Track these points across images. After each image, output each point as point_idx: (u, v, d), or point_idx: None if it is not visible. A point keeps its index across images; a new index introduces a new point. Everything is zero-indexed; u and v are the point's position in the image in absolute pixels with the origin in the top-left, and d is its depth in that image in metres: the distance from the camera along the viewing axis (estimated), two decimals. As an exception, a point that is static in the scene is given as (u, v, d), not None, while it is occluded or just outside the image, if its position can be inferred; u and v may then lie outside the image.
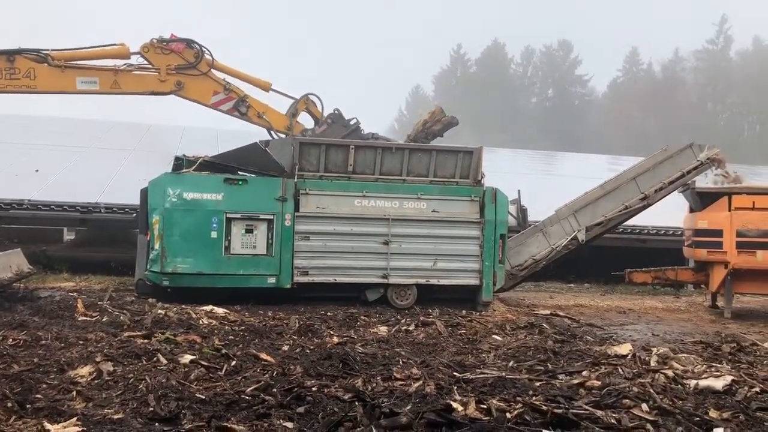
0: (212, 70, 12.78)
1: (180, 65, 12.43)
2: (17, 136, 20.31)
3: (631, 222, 14.76)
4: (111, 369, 6.13)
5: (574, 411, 5.23)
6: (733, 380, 6.52)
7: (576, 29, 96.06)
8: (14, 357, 6.44)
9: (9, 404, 4.75)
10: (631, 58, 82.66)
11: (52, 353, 6.73)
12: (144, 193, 11.32)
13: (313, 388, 5.68)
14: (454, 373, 6.60)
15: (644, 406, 5.53)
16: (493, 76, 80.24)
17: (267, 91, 13.01)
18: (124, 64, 12.65)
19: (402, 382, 6.16)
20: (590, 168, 22.43)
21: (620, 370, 6.97)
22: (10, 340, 7.20)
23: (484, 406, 5.30)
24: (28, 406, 4.85)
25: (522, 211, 13.39)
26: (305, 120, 13.88)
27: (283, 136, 12.86)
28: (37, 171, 16.95)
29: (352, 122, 13.11)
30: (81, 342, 7.33)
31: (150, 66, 12.66)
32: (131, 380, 5.80)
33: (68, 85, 12.28)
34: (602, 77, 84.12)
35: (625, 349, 7.98)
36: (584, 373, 6.82)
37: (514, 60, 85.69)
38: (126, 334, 7.88)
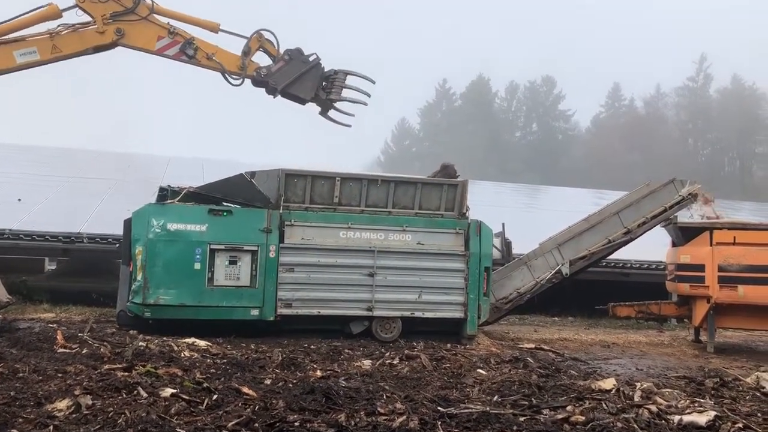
0: (154, 14, 11.73)
1: (117, 12, 11.40)
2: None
3: (614, 256, 14.85)
4: (90, 402, 6.01)
5: (559, 447, 5.20)
6: (716, 416, 6.52)
7: (559, 65, 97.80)
8: (-10, 390, 6.31)
9: (-17, 439, 4.64)
10: (613, 93, 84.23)
11: (29, 386, 6.60)
12: (127, 223, 11.25)
13: (296, 423, 5.61)
14: (439, 408, 6.55)
15: (628, 441, 5.51)
16: (478, 110, 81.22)
17: (216, 32, 11.92)
18: (58, 26, 11.51)
19: (386, 417, 6.10)
20: (574, 202, 22.65)
21: (604, 405, 6.95)
22: (-13, 372, 7.06)
23: (468, 442, 5.25)
24: (3, 441, 4.75)
25: (506, 244, 13.48)
26: (262, 59, 12.32)
27: (237, 77, 11.72)
28: (19, 200, 16.83)
29: (311, 58, 11.93)
30: (60, 375, 7.20)
31: (86, 22, 11.49)
32: (110, 414, 5.70)
33: (7, 62, 11.15)
34: (585, 112, 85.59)
35: (609, 383, 7.97)
36: (568, 408, 6.79)
37: (498, 94, 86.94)
38: (106, 366, 7.75)
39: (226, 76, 11.78)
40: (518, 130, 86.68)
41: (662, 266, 15.45)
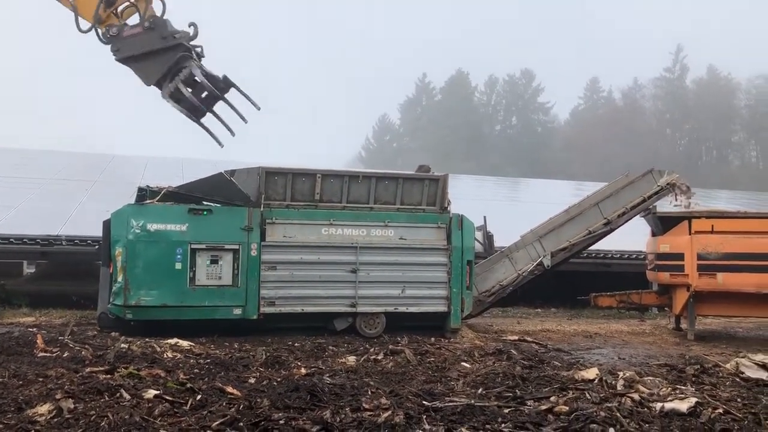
0: None
1: None
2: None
3: (595, 247, 14.97)
4: (72, 406, 5.94)
5: (543, 437, 5.23)
6: (697, 402, 6.61)
7: (537, 58, 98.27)
8: (-31, 396, 6.22)
9: (-37, 446, 4.58)
10: (591, 85, 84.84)
11: (9, 391, 6.51)
12: (107, 224, 11.13)
13: (281, 421, 5.59)
14: (423, 402, 6.56)
15: (611, 430, 5.57)
16: (458, 104, 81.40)
17: None
18: None
19: (371, 413, 6.10)
20: (554, 194, 22.79)
21: (587, 394, 7.01)
22: (-34, 378, 6.96)
23: (454, 435, 5.27)
24: (-17, 447, 4.68)
25: (488, 237, 13.52)
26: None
27: (87, 25, 9.87)
28: (-5, 203, 16.59)
29: (176, 35, 9.83)
30: (40, 379, 7.11)
31: None
32: (93, 417, 5.63)
33: None
34: (564, 105, 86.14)
35: (592, 373, 8.04)
36: (552, 398, 6.84)
37: (478, 88, 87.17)
38: (88, 369, 7.66)
39: (77, 18, 9.93)
40: (498, 123, 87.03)
41: (642, 256, 15.60)
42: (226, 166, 11.94)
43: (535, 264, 13.18)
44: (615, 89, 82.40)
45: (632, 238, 15.88)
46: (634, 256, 17.71)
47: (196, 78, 9.79)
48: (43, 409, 5.87)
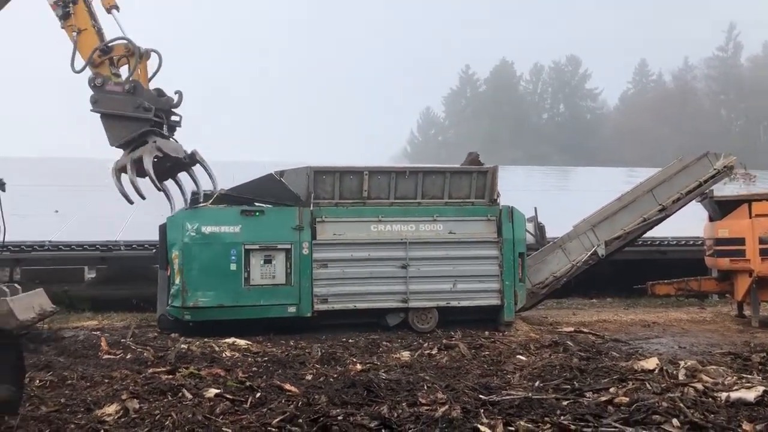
0: None
1: None
2: (36, 178, 20.61)
3: (650, 234, 14.64)
4: (137, 406, 6.14)
5: (603, 429, 5.18)
6: (765, 391, 6.41)
7: (583, 44, 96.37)
8: (42, 398, 6.48)
9: (38, 446, 4.78)
10: (640, 69, 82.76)
11: (78, 393, 6.77)
12: (162, 228, 11.43)
13: (339, 417, 5.65)
14: (480, 396, 6.55)
15: (675, 421, 5.45)
16: (503, 94, 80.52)
17: (108, 11, 10.05)
18: None
19: (428, 407, 6.11)
20: (606, 181, 22.34)
21: (648, 385, 6.88)
22: (37, 381, 7.24)
23: (512, 428, 5.26)
24: (57, 447, 4.87)
25: (540, 228, 13.34)
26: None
27: (80, 66, 9.79)
28: (57, 212, 17.17)
29: (148, 107, 9.57)
30: (106, 380, 7.36)
31: None
32: (158, 417, 5.81)
33: None
34: (613, 90, 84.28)
35: (651, 363, 7.88)
36: (611, 389, 6.74)
37: (523, 77, 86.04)
38: (150, 370, 7.90)
39: (74, 56, 9.93)
40: (545, 112, 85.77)
41: (700, 242, 15.19)
42: (275, 168, 12.09)
43: (589, 254, 12.96)
44: (665, 72, 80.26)
45: (689, 223, 15.48)
46: (691, 242, 17.24)
47: (156, 154, 9.63)
48: (111, 409, 6.08)
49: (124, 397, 6.45)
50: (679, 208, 13.36)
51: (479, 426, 5.25)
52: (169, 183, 10.67)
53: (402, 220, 11.70)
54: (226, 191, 11.73)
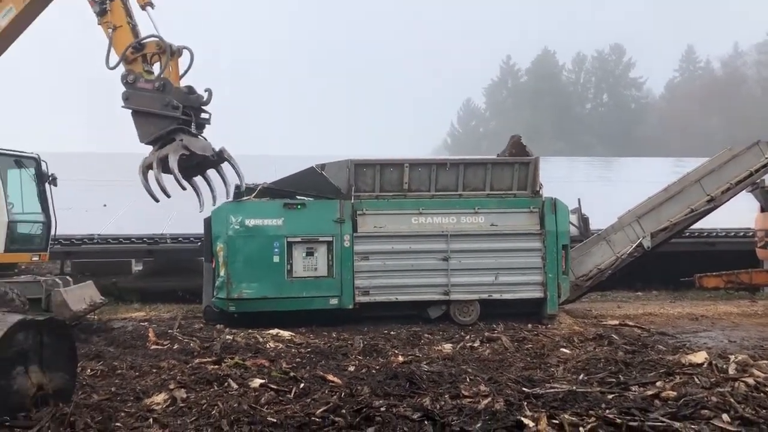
0: None
1: None
2: (83, 173, 21.16)
3: (698, 225, 14.31)
4: (184, 396, 6.28)
5: (650, 423, 5.09)
6: (819, 386, 6.22)
7: (628, 32, 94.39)
8: (93, 387, 6.68)
9: (91, 433, 4.92)
10: (687, 56, 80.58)
11: (128, 382, 6.95)
12: (207, 222, 11.63)
13: (382, 408, 5.68)
14: (523, 389, 6.51)
15: (725, 416, 5.33)
16: (545, 84, 79.39)
17: (142, 7, 10.04)
18: None
19: (470, 400, 6.10)
20: (652, 172, 21.89)
21: (696, 379, 6.74)
22: (89, 370, 7.48)
23: (556, 422, 5.20)
24: (108, 434, 5.01)
25: (583, 220, 13.16)
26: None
27: (114, 62, 9.78)
28: (105, 206, 17.62)
29: (176, 105, 9.48)
30: (154, 370, 7.55)
31: None
32: (204, 406, 5.93)
33: None
34: (658, 78, 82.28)
35: (700, 357, 7.71)
36: (658, 383, 6.63)
37: (565, 67, 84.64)
38: (197, 360, 8.08)
39: (109, 52, 9.93)
40: (588, 102, 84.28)
41: (751, 233, 14.79)
42: (317, 161, 12.17)
43: (634, 246, 12.72)
44: (713, 58, 78.00)
45: (739, 214, 15.07)
46: (741, 233, 16.80)
47: (182, 152, 9.46)
48: (159, 398, 6.23)
49: (171, 386, 6.60)
50: (729, 199, 13.01)
51: (522, 419, 5.21)
52: (200, 180, 10.71)
53: (443, 212, 11.67)
54: (269, 185, 11.88)
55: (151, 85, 9.69)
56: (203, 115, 10.05)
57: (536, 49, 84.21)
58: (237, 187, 11.98)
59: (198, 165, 10.11)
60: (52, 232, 11.34)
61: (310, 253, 11.33)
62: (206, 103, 9.95)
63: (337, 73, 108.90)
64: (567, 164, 26.54)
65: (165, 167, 9.51)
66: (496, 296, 11.64)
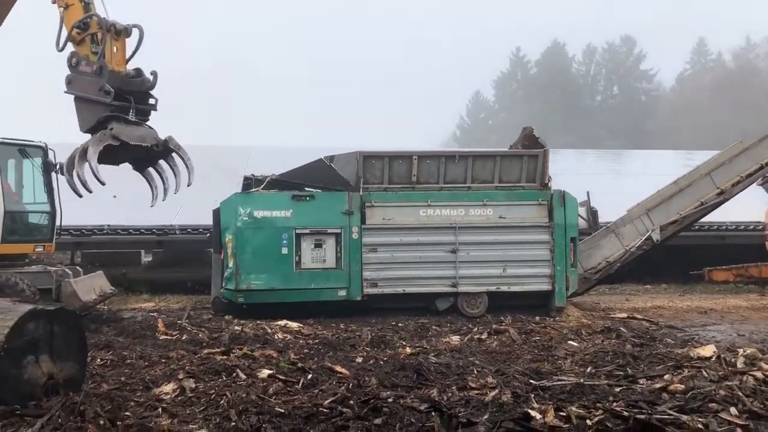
0: None
1: None
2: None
3: (707, 218, 14.21)
4: (193, 386, 6.32)
5: (658, 416, 5.08)
6: (828, 380, 6.19)
7: (638, 23, 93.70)
8: (103, 376, 6.74)
9: (101, 422, 4.96)
10: (698, 49, 79.88)
11: (137, 372, 7.01)
12: (216, 213, 11.68)
13: (389, 400, 5.70)
14: (531, 381, 6.52)
15: (733, 409, 5.32)
16: (555, 76, 78.92)
17: None
18: None
19: (478, 392, 6.12)
20: (661, 165, 21.75)
21: (704, 372, 6.73)
22: (98, 360, 7.53)
23: (564, 414, 5.21)
24: (118, 423, 5.04)
25: (592, 213, 13.13)
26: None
27: (64, 43, 8.75)
28: (114, 197, 17.67)
29: (106, 90, 8.46)
30: (164, 360, 7.60)
31: None
32: (213, 396, 5.97)
33: None
34: (669, 71, 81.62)
35: (708, 350, 7.69)
36: (666, 377, 6.62)
37: (575, 59, 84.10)
38: (205, 351, 8.12)
39: (60, 34, 9.01)
40: (598, 94, 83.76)
41: (761, 226, 14.69)
42: (325, 153, 12.18)
43: (643, 239, 12.67)
44: (725, 51, 77.28)
45: (749, 208, 14.97)
46: (751, 227, 16.67)
47: (109, 142, 8.51)
48: (168, 388, 6.28)
49: (180, 376, 6.65)
50: (739, 192, 12.92)
51: (530, 411, 5.22)
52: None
53: (451, 205, 11.67)
54: (278, 176, 11.90)
55: (91, 69, 8.78)
56: (151, 101, 9.13)
57: (546, 41, 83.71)
58: (245, 178, 12.03)
59: (147, 156, 9.22)
60: (58, 223, 11.27)
61: (318, 245, 11.36)
62: (151, 87, 9.04)
63: (345, 65, 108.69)
64: (576, 156, 26.41)
65: (103, 158, 8.62)
66: (504, 288, 11.64)
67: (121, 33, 8.84)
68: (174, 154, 9.29)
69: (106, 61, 8.64)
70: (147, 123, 9.08)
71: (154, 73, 9.00)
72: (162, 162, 9.42)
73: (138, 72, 8.98)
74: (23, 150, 10.89)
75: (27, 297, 9.52)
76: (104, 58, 8.63)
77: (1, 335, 5.22)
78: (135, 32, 8.90)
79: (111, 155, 8.72)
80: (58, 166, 10.84)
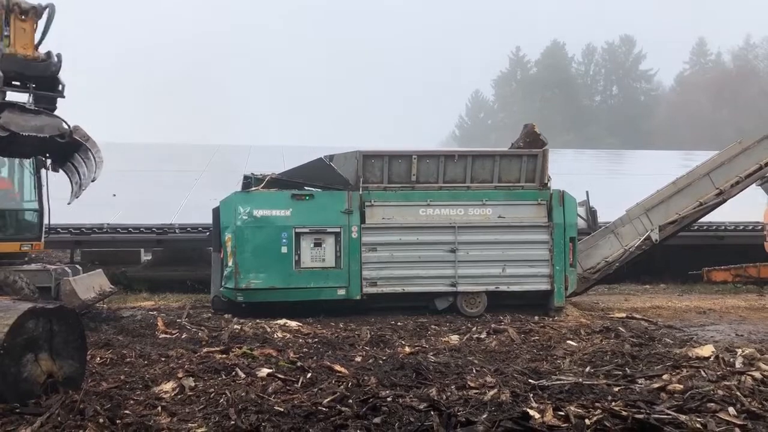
0: None
1: None
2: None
3: (706, 218, 14.23)
4: (192, 384, 6.32)
5: (656, 416, 5.09)
6: (826, 380, 6.20)
7: (637, 23, 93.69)
8: (102, 375, 6.74)
9: (101, 420, 4.97)
10: (698, 49, 79.91)
11: (136, 370, 7.00)
12: (216, 212, 11.68)
13: (388, 399, 5.71)
14: (529, 380, 6.52)
15: (731, 409, 5.33)
16: (554, 76, 78.93)
17: None
18: None
19: (477, 391, 6.13)
20: (661, 165, 21.79)
21: (703, 372, 6.73)
22: (98, 358, 7.52)
23: (562, 413, 5.21)
24: (118, 421, 5.05)
25: (591, 213, 13.14)
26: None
27: None
28: (114, 195, 17.69)
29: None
30: (163, 359, 7.60)
31: None
32: (212, 395, 5.97)
33: None
34: (668, 71, 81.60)
35: (707, 350, 7.69)
36: (665, 376, 6.63)
37: (575, 59, 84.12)
38: (205, 350, 8.12)
39: None
40: (597, 94, 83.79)
41: (759, 227, 14.71)
42: (325, 152, 12.19)
43: (642, 239, 12.68)
44: (725, 51, 77.29)
45: (748, 208, 14.98)
46: (750, 227, 16.71)
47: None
48: (167, 386, 6.28)
49: (180, 375, 6.65)
50: (738, 192, 12.93)
51: (528, 410, 5.23)
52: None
53: (451, 204, 11.68)
54: (277, 175, 11.91)
55: None
56: (59, 87, 8.46)
57: (546, 40, 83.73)
58: (245, 177, 12.04)
59: (53, 149, 8.71)
60: (46, 221, 11.08)
61: (317, 244, 11.37)
62: (55, 72, 8.38)
63: (345, 64, 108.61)
64: (575, 156, 26.46)
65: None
66: (503, 288, 11.66)
67: (28, 13, 8.15)
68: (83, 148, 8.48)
69: (4, 44, 7.96)
70: (53, 111, 8.31)
71: (58, 56, 8.31)
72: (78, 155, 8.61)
73: (48, 55, 8.36)
74: None
75: (26, 295, 9.51)
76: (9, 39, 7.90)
77: (0, 333, 5.23)
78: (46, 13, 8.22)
79: (3, 147, 8.04)
80: (48, 163, 10.27)
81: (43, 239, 11.03)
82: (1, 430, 4.69)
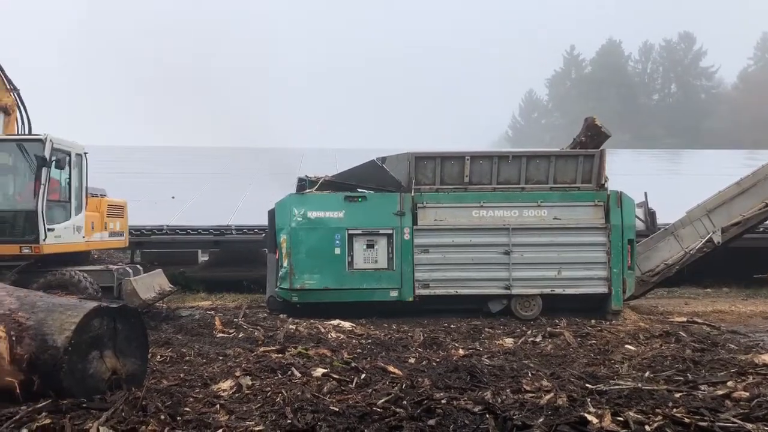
0: None
1: None
2: (152, 166, 21.90)
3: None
4: (250, 383, 6.43)
5: (721, 424, 4.93)
6: None
7: (697, 19, 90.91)
8: (163, 372, 6.93)
9: (162, 417, 5.10)
10: (762, 44, 77.04)
11: (195, 369, 7.17)
12: (271, 213, 11.87)
13: (443, 401, 5.69)
14: (587, 385, 6.41)
15: (801, 419, 5.12)
16: (610, 75, 77.31)
17: None
18: None
19: (532, 395, 6.05)
20: (723, 165, 21.12)
21: (770, 380, 6.49)
22: (158, 356, 7.75)
23: (621, 419, 5.10)
24: (178, 418, 5.18)
25: (650, 214, 12.82)
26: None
27: None
28: (173, 198, 18.18)
29: None
30: (221, 358, 7.77)
31: None
32: (269, 393, 6.06)
33: None
34: (731, 68, 78.96)
35: (774, 357, 7.42)
36: (729, 383, 6.41)
37: (631, 57, 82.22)
38: (261, 349, 8.26)
39: None
40: (655, 92, 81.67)
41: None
42: (378, 154, 12.24)
43: (703, 241, 12.29)
44: (791, 45, 74.28)
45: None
46: (820, 229, 16.00)
47: None
48: (226, 385, 6.41)
49: (237, 373, 6.78)
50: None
51: (586, 415, 5.13)
52: None
53: (505, 206, 11.56)
54: (330, 178, 12.01)
55: None
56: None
57: (601, 38, 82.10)
58: (299, 180, 12.19)
59: None
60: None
61: (370, 246, 11.42)
62: None
63: (397, 65, 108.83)
64: (633, 156, 25.85)
65: None
66: (558, 291, 11.47)
67: None
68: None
69: None
70: None
71: None
72: None
73: None
74: (20, 145, 10.05)
75: (90, 295, 9.85)
76: None
77: (68, 331, 5.43)
78: None
79: None
80: (55, 161, 10.01)
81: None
82: (70, 423, 4.86)
